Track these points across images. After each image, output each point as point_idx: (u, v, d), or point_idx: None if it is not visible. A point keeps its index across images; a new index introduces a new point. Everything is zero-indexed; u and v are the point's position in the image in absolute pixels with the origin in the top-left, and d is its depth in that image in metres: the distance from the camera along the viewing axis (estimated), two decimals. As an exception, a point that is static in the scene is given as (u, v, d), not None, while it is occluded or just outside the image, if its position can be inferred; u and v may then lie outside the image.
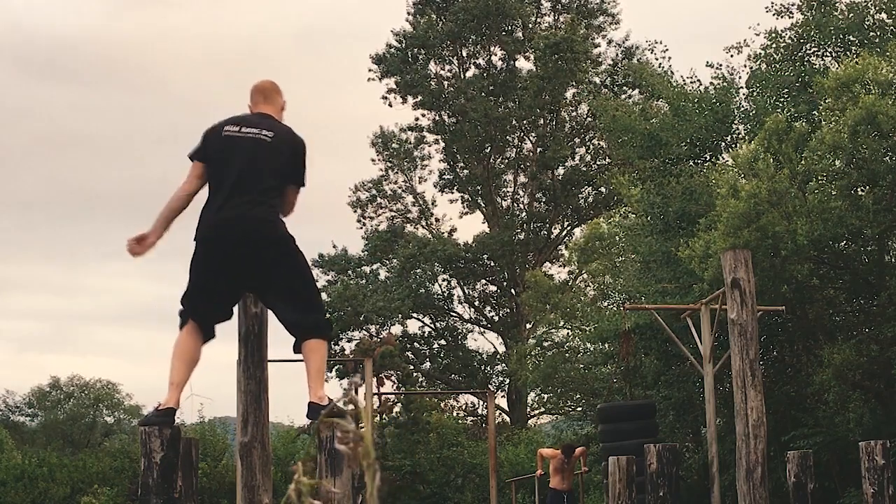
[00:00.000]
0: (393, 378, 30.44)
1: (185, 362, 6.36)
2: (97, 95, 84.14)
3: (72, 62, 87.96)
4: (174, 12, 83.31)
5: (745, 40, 21.90)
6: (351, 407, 1.99)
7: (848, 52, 20.07)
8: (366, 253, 39.66)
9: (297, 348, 6.47)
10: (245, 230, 6.29)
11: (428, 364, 40.04)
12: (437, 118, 40.54)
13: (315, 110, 76.91)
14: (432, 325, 40.34)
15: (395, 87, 40.23)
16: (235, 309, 6.67)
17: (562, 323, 29.63)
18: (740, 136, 21.26)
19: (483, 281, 40.60)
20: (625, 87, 38.55)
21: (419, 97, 39.98)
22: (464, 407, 38.82)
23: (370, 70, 40.42)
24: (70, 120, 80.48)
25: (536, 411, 38.50)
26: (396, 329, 38.66)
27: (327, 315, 6.56)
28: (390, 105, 40.63)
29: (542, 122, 40.33)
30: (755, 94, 21.35)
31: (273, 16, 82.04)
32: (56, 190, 79.95)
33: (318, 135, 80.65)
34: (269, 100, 6.85)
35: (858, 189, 18.06)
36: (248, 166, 6.42)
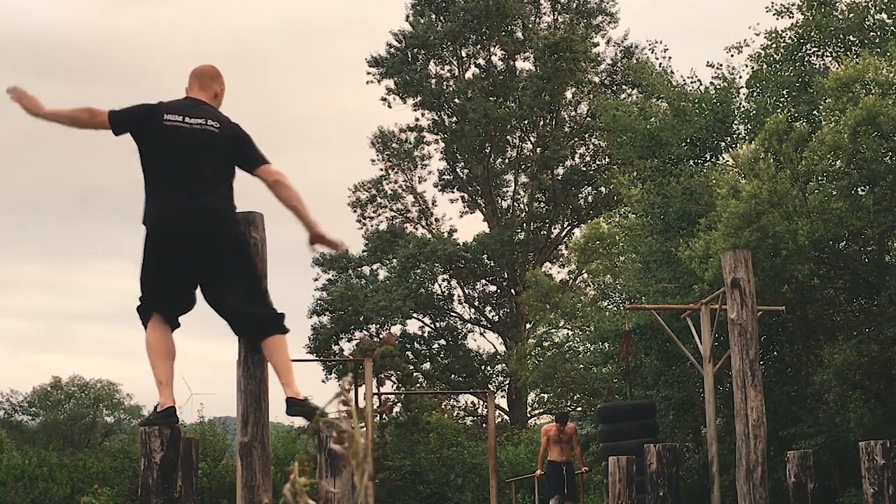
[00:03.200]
0: (393, 378, 30.44)
1: (164, 358, 6.37)
2: (89, 92, 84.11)
3: (63, 58, 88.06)
4: (167, 7, 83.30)
5: (745, 40, 21.92)
6: (344, 408, 1.99)
7: (848, 53, 20.07)
8: (366, 253, 39.67)
9: (255, 346, 6.42)
10: (196, 223, 6.25)
11: (428, 364, 40.04)
12: (437, 118, 40.55)
13: (315, 109, 76.94)
14: (432, 325, 40.34)
15: (394, 87, 40.24)
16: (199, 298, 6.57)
17: (562, 323, 29.64)
18: (740, 136, 21.27)
19: (483, 281, 40.61)
20: (624, 87, 38.57)
21: (419, 97, 39.99)
22: (464, 407, 38.86)
23: (368, 73, 40.45)
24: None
25: (536, 411, 38.50)
26: (396, 329, 38.68)
27: (279, 311, 6.51)
28: (389, 106, 40.67)
29: (542, 122, 40.33)
30: (755, 94, 21.35)
31: (268, 12, 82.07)
32: (49, 188, 79.87)
33: (318, 133, 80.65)
34: (205, 86, 6.67)
35: (859, 189, 18.07)
36: (198, 158, 6.32)
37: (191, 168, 6.31)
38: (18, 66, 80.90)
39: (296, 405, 6.26)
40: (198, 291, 6.47)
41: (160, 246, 6.33)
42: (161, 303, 6.43)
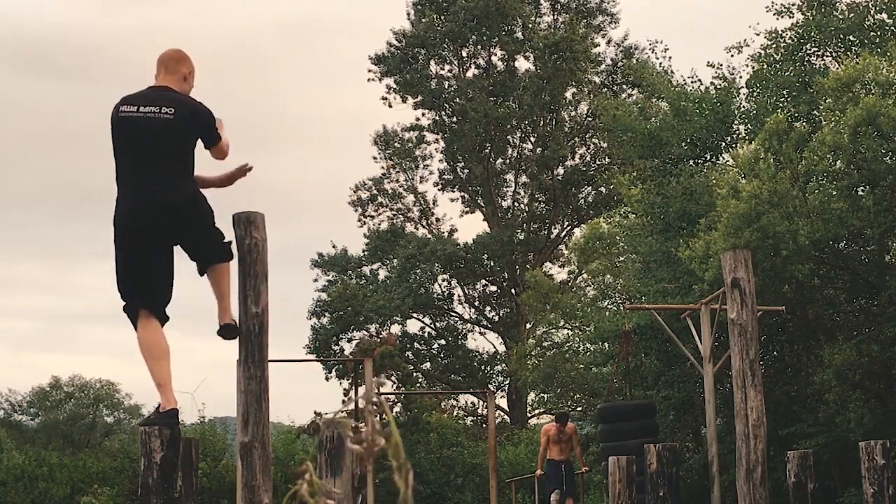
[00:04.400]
0: (393, 378, 30.44)
1: (160, 358, 6.41)
2: (87, 91, 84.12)
3: (63, 58, 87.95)
4: (167, 7, 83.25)
5: (745, 40, 21.92)
6: (374, 408, 1.97)
7: (848, 53, 20.06)
8: (366, 253, 39.67)
9: (201, 272, 6.69)
10: (155, 214, 6.36)
11: (428, 364, 40.04)
12: (438, 118, 40.55)
13: (315, 108, 76.93)
14: (432, 325, 40.34)
15: (394, 86, 40.23)
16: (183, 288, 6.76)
17: (562, 323, 29.63)
18: (741, 136, 21.26)
19: (483, 281, 40.60)
20: (625, 87, 38.56)
21: (419, 97, 39.99)
22: (464, 407, 38.84)
23: (370, 70, 40.46)
24: (60, 116, 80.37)
25: (536, 411, 38.50)
26: (396, 329, 38.67)
27: (226, 239, 6.68)
28: (390, 105, 40.67)
29: (542, 122, 40.33)
30: (755, 94, 21.35)
31: (268, 12, 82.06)
32: (49, 188, 79.85)
33: (318, 133, 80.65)
34: (171, 70, 6.68)
35: (859, 189, 18.07)
36: (152, 147, 6.35)
37: (148, 159, 6.34)
38: (18, 66, 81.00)
39: (231, 330, 6.53)
40: (175, 281, 6.61)
41: (132, 240, 6.41)
42: (144, 297, 6.48)
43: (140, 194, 6.35)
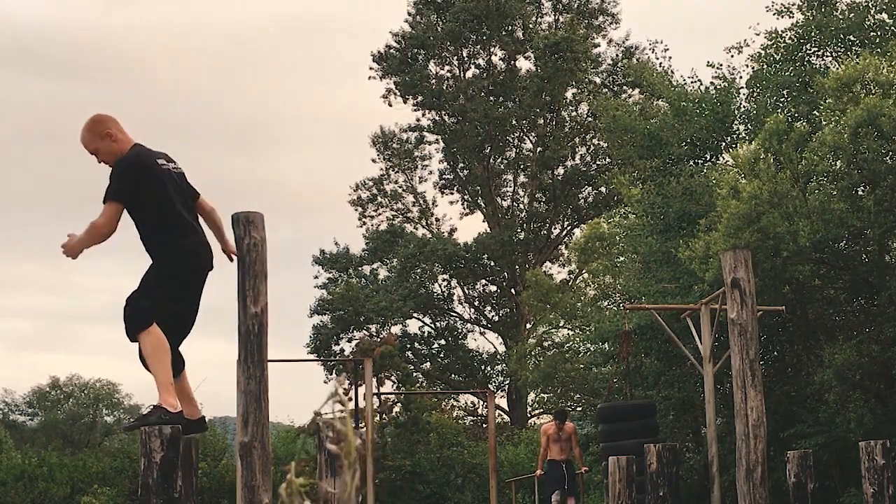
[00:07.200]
0: (393, 378, 30.44)
1: (168, 360, 6.47)
2: (85, 89, 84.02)
3: (61, 57, 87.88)
4: (166, 6, 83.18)
5: (745, 40, 21.91)
6: (340, 408, 1.99)
7: (848, 53, 20.06)
8: (366, 253, 39.68)
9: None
10: (209, 256, 6.86)
11: (428, 364, 40.04)
12: (438, 118, 40.55)
13: (314, 108, 76.91)
14: (432, 325, 40.34)
15: (394, 87, 40.24)
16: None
17: (562, 323, 29.65)
18: (741, 136, 21.25)
19: (483, 281, 40.60)
20: (625, 87, 38.57)
21: (419, 97, 39.99)
22: (464, 407, 38.84)
23: (371, 69, 40.47)
24: (58, 115, 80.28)
25: (536, 411, 38.50)
26: (396, 329, 38.68)
27: None
28: (390, 105, 40.68)
29: (542, 122, 40.33)
30: (755, 94, 21.34)
31: (267, 11, 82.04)
32: (49, 188, 79.81)
33: (317, 132, 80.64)
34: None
35: (859, 190, 18.06)
36: (186, 198, 6.88)
37: (190, 210, 6.86)
38: (18, 66, 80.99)
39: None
40: None
41: (199, 283, 6.79)
42: (179, 335, 6.75)
43: (199, 239, 6.79)
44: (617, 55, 40.17)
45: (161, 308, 6.56)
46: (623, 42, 40.42)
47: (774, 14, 21.08)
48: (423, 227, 41.15)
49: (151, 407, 6.43)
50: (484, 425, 32.47)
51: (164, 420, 6.28)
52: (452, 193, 40.98)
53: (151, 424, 6.23)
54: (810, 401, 19.29)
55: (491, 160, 40.51)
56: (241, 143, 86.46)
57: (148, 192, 6.61)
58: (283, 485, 2.08)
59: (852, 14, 20.27)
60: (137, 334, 6.47)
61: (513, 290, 39.86)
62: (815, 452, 12.44)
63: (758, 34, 21.92)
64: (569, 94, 39.88)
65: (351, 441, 1.89)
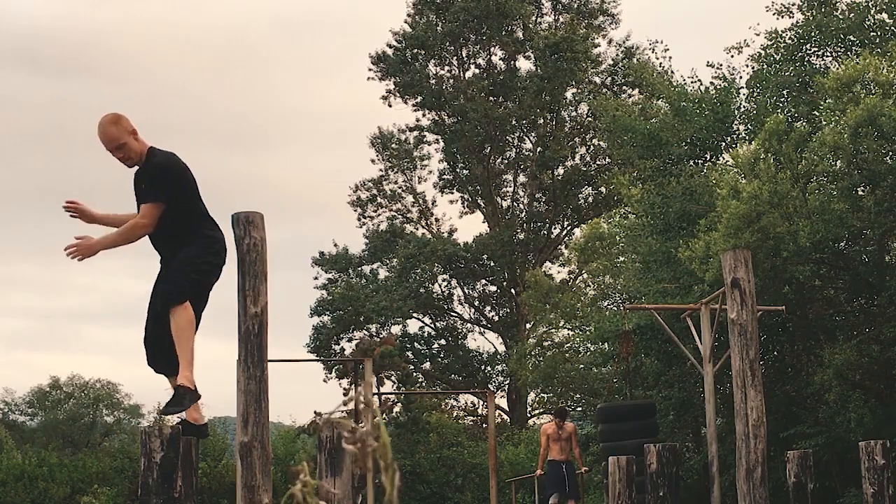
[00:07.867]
0: (393, 378, 30.45)
1: (194, 339, 6.59)
2: (80, 87, 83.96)
3: (56, 53, 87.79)
4: (162, 1, 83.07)
5: (745, 40, 21.92)
6: (362, 406, 1.97)
7: (848, 53, 20.06)
8: (366, 253, 39.66)
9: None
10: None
11: (428, 364, 40.02)
12: (437, 118, 40.53)
13: (314, 107, 76.89)
14: (432, 325, 40.33)
15: (394, 87, 40.22)
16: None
17: (562, 323, 29.64)
18: (741, 136, 21.26)
19: (483, 281, 40.59)
20: (625, 87, 38.56)
21: (419, 98, 39.97)
22: (464, 407, 38.84)
23: (370, 69, 40.45)
24: (55, 113, 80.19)
25: (536, 411, 38.49)
26: (396, 329, 38.66)
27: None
28: (390, 105, 40.67)
29: (542, 122, 40.32)
30: (755, 94, 21.34)
31: (265, 9, 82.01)
32: (49, 188, 79.73)
33: (317, 131, 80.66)
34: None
35: (859, 190, 18.06)
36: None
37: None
38: (14, 63, 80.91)
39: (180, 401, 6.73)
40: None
41: (218, 272, 6.91)
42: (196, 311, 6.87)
43: (222, 235, 6.91)
44: (617, 55, 40.15)
45: (196, 287, 6.69)
46: (623, 42, 40.41)
47: (774, 14, 21.11)
48: (423, 227, 41.14)
49: (177, 389, 6.44)
50: (484, 425, 32.47)
51: (196, 398, 6.40)
52: (452, 193, 40.97)
53: (187, 408, 6.34)
54: (810, 401, 19.29)
55: (491, 160, 40.49)
56: (242, 143, 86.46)
57: (191, 190, 6.80)
58: (298, 484, 2.07)
59: (852, 14, 20.27)
60: (173, 307, 6.51)
61: (513, 291, 39.85)
62: (815, 452, 12.46)
63: (758, 34, 21.94)
64: (569, 94, 39.87)
65: (385, 441, 1.88)
